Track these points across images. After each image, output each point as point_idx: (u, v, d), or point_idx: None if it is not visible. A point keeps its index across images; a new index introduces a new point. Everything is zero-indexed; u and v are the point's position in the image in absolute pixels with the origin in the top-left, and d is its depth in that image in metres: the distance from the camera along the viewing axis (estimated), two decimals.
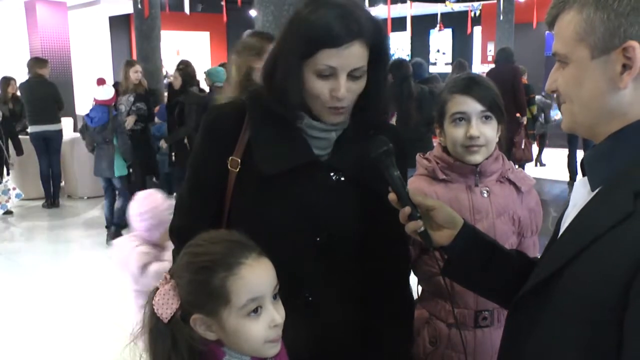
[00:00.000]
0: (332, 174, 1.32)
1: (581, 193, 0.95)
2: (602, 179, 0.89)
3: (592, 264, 0.83)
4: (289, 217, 1.28)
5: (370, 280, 1.39)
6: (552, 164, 9.52)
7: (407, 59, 17.56)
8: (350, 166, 1.32)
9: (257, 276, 1.04)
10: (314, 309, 1.28)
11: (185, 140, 5.90)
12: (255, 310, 1.03)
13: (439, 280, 1.58)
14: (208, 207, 1.35)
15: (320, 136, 1.32)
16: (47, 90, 7.14)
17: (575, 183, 0.99)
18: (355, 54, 1.21)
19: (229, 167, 1.31)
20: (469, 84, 1.59)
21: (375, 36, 1.25)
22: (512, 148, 6.80)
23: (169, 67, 10.96)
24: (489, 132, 1.57)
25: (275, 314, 1.05)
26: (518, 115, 6.83)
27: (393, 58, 5.68)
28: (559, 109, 1.00)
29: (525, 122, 6.99)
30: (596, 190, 0.90)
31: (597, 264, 0.82)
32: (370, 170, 1.29)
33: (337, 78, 1.22)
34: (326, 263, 1.31)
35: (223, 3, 10.50)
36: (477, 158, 1.57)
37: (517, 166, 6.46)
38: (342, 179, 1.32)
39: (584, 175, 0.95)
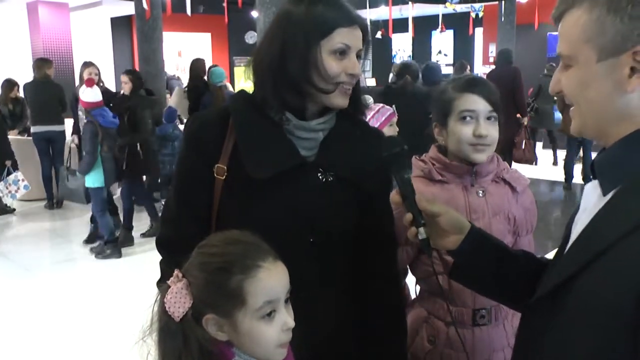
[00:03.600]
0: (319, 174, 1.33)
1: (592, 197, 0.94)
2: (614, 183, 0.88)
3: (606, 271, 0.82)
4: (281, 219, 1.29)
5: (363, 278, 1.41)
6: (549, 165, 9.53)
7: (409, 60, 17.56)
8: (338, 166, 1.33)
9: (273, 280, 1.05)
10: (310, 309, 1.27)
11: (139, 147, 5.61)
12: (269, 314, 1.04)
13: (436, 280, 1.60)
14: (196, 217, 1.34)
15: (307, 137, 1.33)
16: (53, 91, 7.14)
17: (586, 186, 0.98)
18: (360, 36, 1.31)
19: (215, 175, 1.31)
20: (477, 84, 1.61)
21: (365, 29, 1.33)
22: (512, 148, 6.83)
23: (170, 68, 10.98)
24: (494, 132, 1.59)
25: (288, 317, 1.06)
26: (518, 116, 6.85)
27: (402, 60, 5.72)
28: (561, 113, 0.99)
29: (525, 123, 7.01)
30: (609, 195, 0.89)
31: (611, 272, 0.81)
32: (359, 170, 1.32)
33: (349, 57, 1.29)
34: (321, 263, 1.32)
35: (224, 4, 10.52)
36: (482, 157, 1.59)
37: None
38: (331, 179, 1.33)
39: (594, 178, 0.94)
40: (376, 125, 3.57)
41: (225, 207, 1.33)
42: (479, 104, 1.57)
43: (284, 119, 1.31)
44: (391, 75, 13.69)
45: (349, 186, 1.34)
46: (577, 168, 7.88)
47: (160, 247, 1.40)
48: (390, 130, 3.44)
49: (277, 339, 1.05)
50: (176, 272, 1.06)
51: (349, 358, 1.39)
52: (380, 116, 3.66)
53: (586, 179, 7.39)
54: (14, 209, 7.13)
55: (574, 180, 7.75)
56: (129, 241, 5.68)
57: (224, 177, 1.31)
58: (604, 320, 0.81)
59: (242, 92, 1.41)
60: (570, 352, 0.86)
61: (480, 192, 1.62)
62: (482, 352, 1.62)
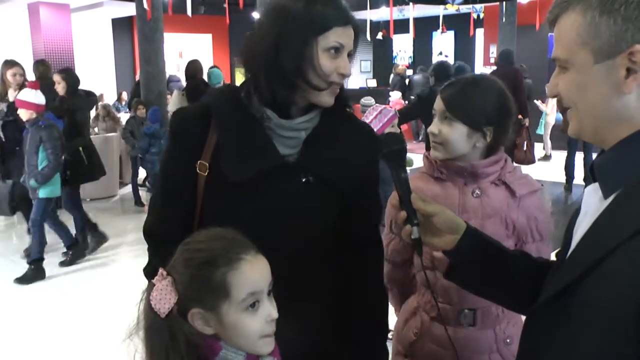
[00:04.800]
0: (301, 175, 1.32)
1: (593, 200, 0.93)
2: (614, 186, 0.87)
3: (609, 277, 0.81)
4: (262, 219, 1.29)
5: (344, 277, 1.42)
6: (550, 166, 9.51)
7: (410, 61, 17.56)
8: (320, 166, 1.32)
9: (256, 272, 1.07)
10: (291, 309, 1.23)
11: (82, 152, 5.23)
12: (253, 305, 1.06)
13: (424, 274, 1.59)
14: (179, 209, 1.36)
15: (289, 135, 1.32)
16: (53, 93, 7.13)
17: (586, 189, 0.96)
18: (352, 36, 1.31)
19: (198, 170, 1.31)
20: (450, 85, 1.62)
21: (358, 29, 1.33)
22: (513, 149, 6.82)
23: (171, 69, 11.00)
24: (446, 132, 1.56)
25: (271, 308, 1.09)
26: (520, 117, 6.84)
27: (437, 62, 5.66)
28: (562, 114, 0.97)
29: (527, 124, 6.99)
30: (610, 198, 0.88)
31: (614, 277, 0.80)
32: (341, 170, 1.32)
33: (342, 56, 1.29)
34: (302, 263, 1.32)
35: (225, 5, 10.55)
36: (436, 154, 1.62)
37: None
38: (311, 179, 1.32)
39: (594, 180, 0.93)
40: (378, 127, 3.56)
41: (208, 204, 1.33)
42: (438, 103, 1.60)
43: (264, 117, 1.30)
44: (392, 75, 13.75)
45: (330, 187, 1.33)
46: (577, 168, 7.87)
47: (146, 234, 1.42)
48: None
49: (261, 330, 1.07)
50: (160, 270, 1.08)
51: (329, 355, 1.38)
52: (382, 117, 3.65)
53: (587, 180, 7.39)
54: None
55: (574, 181, 7.73)
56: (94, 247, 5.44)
57: (206, 173, 1.31)
58: (610, 325, 0.80)
59: (227, 86, 1.40)
60: (577, 357, 0.85)
61: (477, 192, 1.60)
62: (463, 351, 1.58)
